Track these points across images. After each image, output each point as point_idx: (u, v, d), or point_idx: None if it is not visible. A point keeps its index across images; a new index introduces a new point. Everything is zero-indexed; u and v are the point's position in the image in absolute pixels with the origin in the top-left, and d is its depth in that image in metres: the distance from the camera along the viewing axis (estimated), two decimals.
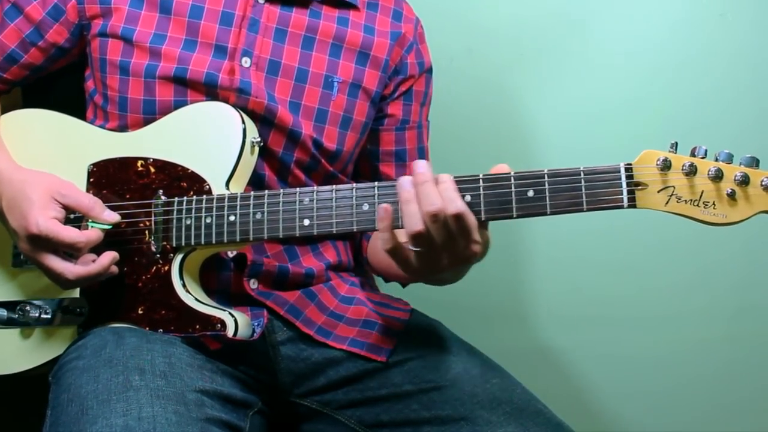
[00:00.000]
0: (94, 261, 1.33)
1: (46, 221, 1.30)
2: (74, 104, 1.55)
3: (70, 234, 1.30)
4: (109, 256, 1.33)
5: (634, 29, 2.01)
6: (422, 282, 1.41)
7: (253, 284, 1.43)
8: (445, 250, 1.22)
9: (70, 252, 1.32)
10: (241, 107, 1.41)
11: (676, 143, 1.20)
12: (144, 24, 1.45)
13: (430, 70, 1.63)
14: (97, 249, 1.35)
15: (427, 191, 1.20)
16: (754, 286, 2.01)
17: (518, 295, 2.08)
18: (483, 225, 1.25)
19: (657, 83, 2.00)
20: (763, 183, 1.16)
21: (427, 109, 1.64)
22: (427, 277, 1.31)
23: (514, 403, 1.38)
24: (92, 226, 1.34)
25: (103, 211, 1.35)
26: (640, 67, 2.00)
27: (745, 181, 1.16)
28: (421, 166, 1.22)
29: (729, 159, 1.18)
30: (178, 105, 1.42)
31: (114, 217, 1.36)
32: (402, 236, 1.23)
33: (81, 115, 1.51)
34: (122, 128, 1.44)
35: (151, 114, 1.42)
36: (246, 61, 1.45)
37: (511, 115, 2.04)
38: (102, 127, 1.46)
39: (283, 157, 1.46)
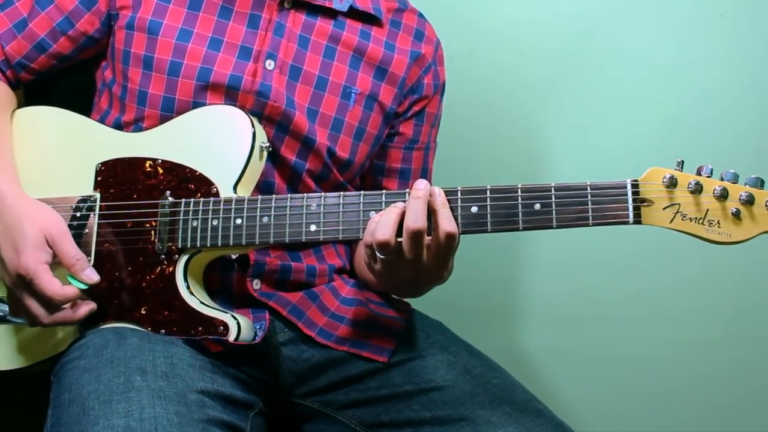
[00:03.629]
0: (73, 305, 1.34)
1: (36, 265, 1.29)
2: (76, 102, 1.55)
3: (51, 287, 1.29)
4: (87, 308, 1.34)
5: (634, 29, 2.00)
6: (386, 289, 1.50)
7: (256, 285, 1.44)
8: (412, 266, 1.26)
9: (44, 301, 1.31)
10: (258, 110, 1.42)
11: (683, 161, 1.22)
12: (171, 18, 1.45)
13: (443, 92, 1.63)
14: (104, 244, 1.37)
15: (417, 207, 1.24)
16: (754, 286, 2.01)
17: (518, 295, 2.08)
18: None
19: (657, 83, 2.00)
20: None
21: (436, 131, 1.64)
22: (389, 283, 1.38)
23: (514, 403, 1.39)
24: (70, 280, 1.33)
25: (85, 269, 1.34)
26: (640, 67, 2.00)
27: (749, 201, 1.17)
28: (422, 182, 1.26)
29: (735, 179, 1.19)
30: (197, 105, 1.42)
31: (94, 278, 1.34)
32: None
33: (84, 112, 1.51)
34: (137, 121, 1.44)
35: (168, 111, 1.42)
36: (270, 64, 1.44)
37: (511, 115, 2.04)
38: (118, 119, 1.47)
39: (295, 165, 1.46)
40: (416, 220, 1.22)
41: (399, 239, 1.24)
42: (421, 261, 1.25)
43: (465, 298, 2.02)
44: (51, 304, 1.30)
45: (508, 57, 2.03)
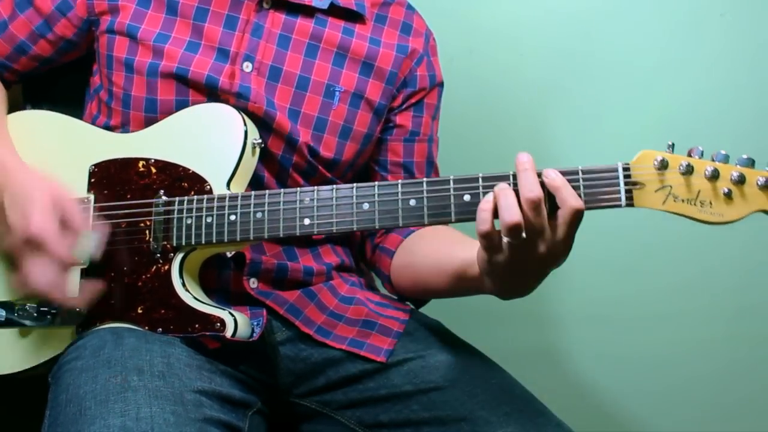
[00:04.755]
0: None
1: (49, 226, 1.29)
2: (74, 103, 1.56)
3: (62, 247, 1.29)
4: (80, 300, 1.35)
5: (634, 29, 2.01)
6: (491, 289, 1.33)
7: (253, 283, 1.43)
8: (541, 242, 1.19)
9: (53, 263, 1.31)
10: (241, 111, 1.41)
11: (673, 144, 1.21)
12: (149, 23, 1.45)
13: (441, 85, 1.62)
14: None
15: (528, 178, 1.18)
16: (754, 286, 2.01)
17: None
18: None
19: (657, 83, 2.00)
20: (759, 182, 1.17)
21: (437, 123, 1.63)
22: (508, 278, 1.26)
23: (514, 403, 1.38)
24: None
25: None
26: (640, 67, 2.00)
27: (741, 180, 1.17)
28: (524, 155, 1.21)
29: (725, 159, 1.19)
30: (180, 105, 1.42)
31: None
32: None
33: (80, 113, 1.52)
34: (124, 125, 1.45)
35: (152, 113, 1.43)
36: (247, 66, 1.45)
37: (511, 115, 2.04)
38: (106, 123, 1.47)
39: (282, 160, 1.46)
40: (532, 189, 1.17)
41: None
42: (547, 236, 1.19)
43: (465, 298, 2.01)
44: (62, 262, 1.30)
45: (508, 57, 2.04)
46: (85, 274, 1.39)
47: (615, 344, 2.04)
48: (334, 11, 1.52)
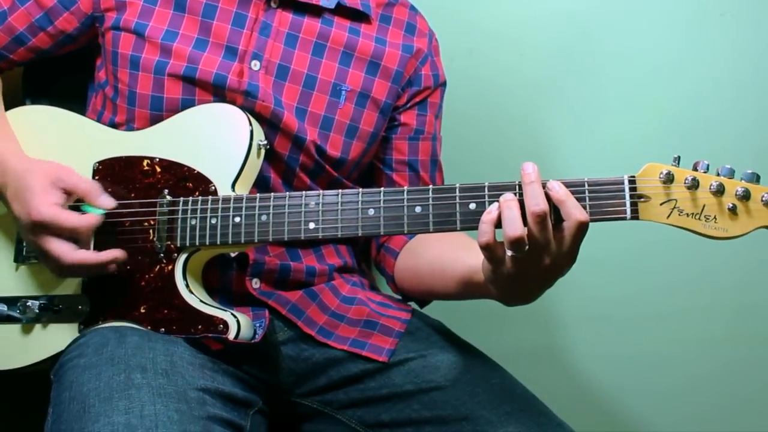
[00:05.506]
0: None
1: (47, 207, 1.30)
2: (74, 100, 1.56)
3: (70, 218, 1.30)
4: (113, 252, 1.33)
5: (633, 29, 2.01)
6: (495, 296, 1.31)
7: (256, 284, 1.44)
8: (545, 255, 1.19)
9: (72, 238, 1.32)
10: (248, 110, 1.41)
11: (679, 157, 1.22)
12: (157, 20, 1.45)
13: (444, 84, 1.63)
14: (104, 246, 1.36)
15: (534, 191, 1.18)
16: (754, 286, 2.01)
17: None
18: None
19: (657, 83, 2.00)
20: (764, 198, 1.17)
21: (440, 122, 1.63)
22: (512, 288, 1.26)
23: (514, 403, 1.39)
24: (86, 211, 1.33)
25: (100, 195, 1.35)
26: (640, 67, 2.00)
27: (746, 196, 1.18)
28: (529, 166, 1.20)
29: (731, 174, 1.19)
30: (186, 104, 1.42)
31: (110, 203, 1.35)
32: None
33: (81, 111, 1.51)
34: (129, 122, 1.45)
35: (157, 111, 1.43)
36: (255, 64, 1.45)
37: (511, 115, 2.04)
38: (111, 120, 1.47)
39: (288, 160, 1.46)
40: (538, 203, 1.16)
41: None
42: (552, 249, 1.18)
43: None
44: (77, 235, 1.31)
45: (508, 57, 2.03)
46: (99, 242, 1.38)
47: (615, 344, 2.04)
48: (341, 11, 1.52)
